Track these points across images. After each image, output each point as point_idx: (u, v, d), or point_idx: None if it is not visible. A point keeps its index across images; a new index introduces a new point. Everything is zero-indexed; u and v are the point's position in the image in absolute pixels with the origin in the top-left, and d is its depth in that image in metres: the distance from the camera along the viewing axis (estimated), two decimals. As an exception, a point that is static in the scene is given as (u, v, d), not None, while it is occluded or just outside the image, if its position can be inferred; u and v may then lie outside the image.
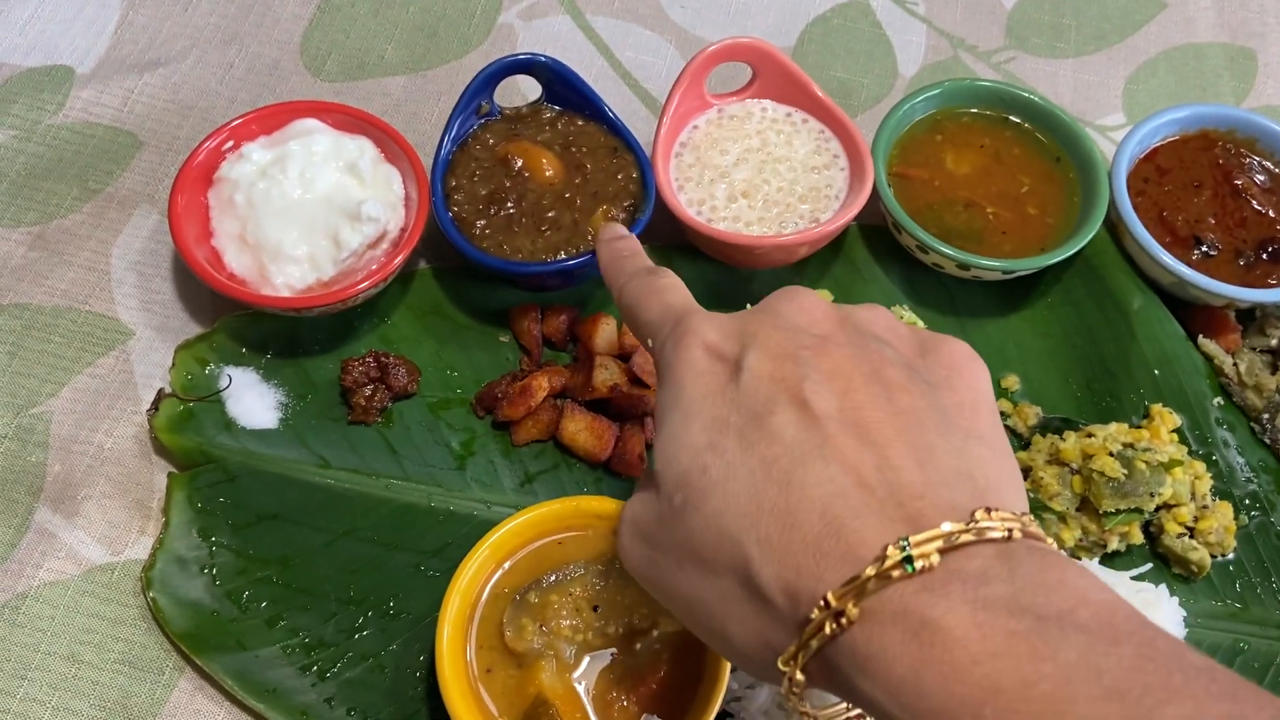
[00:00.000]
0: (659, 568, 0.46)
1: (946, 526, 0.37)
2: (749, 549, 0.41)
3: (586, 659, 0.60)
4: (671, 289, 0.53)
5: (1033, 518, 0.40)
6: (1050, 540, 0.39)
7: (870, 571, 0.37)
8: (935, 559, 0.37)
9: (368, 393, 0.72)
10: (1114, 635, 0.34)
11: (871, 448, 0.41)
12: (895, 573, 0.37)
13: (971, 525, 0.37)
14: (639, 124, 0.85)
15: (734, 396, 0.44)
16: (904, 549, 0.37)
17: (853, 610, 0.37)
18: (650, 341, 0.52)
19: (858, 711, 0.45)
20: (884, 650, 0.36)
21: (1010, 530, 0.38)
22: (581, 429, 0.72)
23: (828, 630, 0.38)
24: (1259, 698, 0.32)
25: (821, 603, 0.38)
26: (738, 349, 0.46)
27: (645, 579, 0.48)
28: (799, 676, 0.40)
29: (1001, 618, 0.35)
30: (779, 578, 0.40)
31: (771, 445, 0.42)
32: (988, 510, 0.38)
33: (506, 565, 0.63)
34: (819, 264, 0.81)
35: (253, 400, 0.73)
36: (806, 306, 0.48)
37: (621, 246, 0.60)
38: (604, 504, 0.64)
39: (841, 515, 0.39)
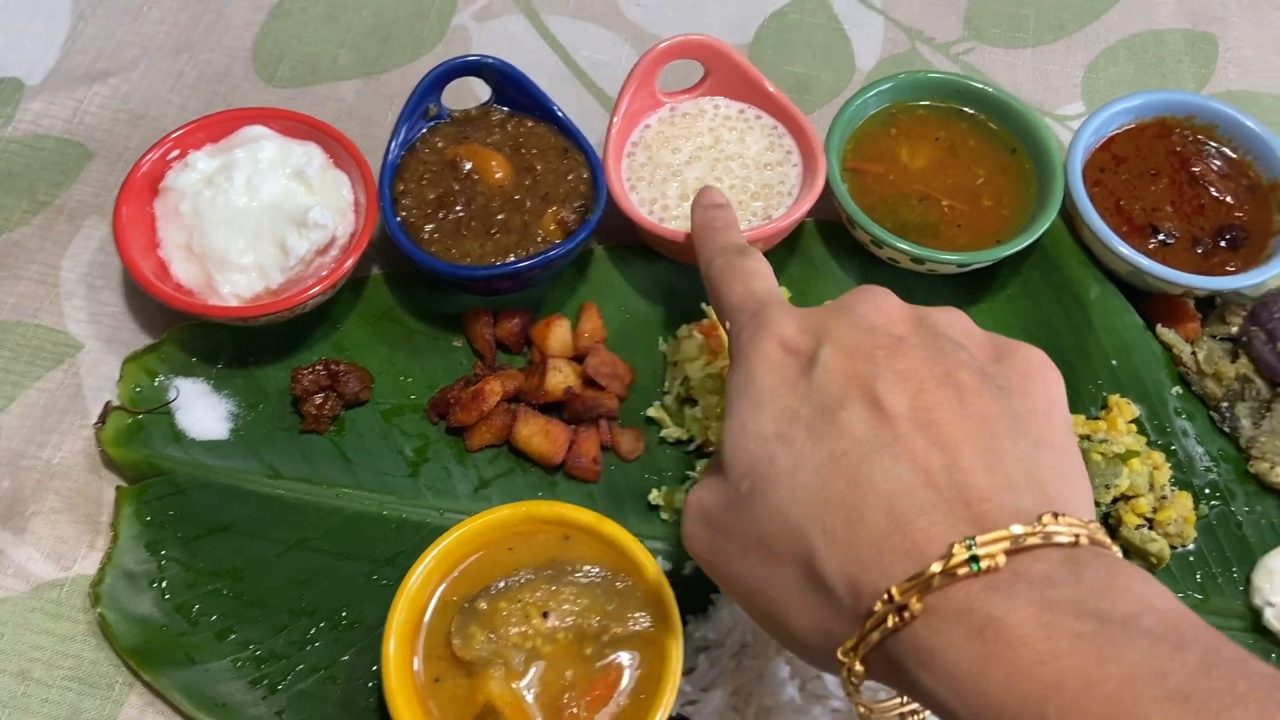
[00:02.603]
0: (723, 553, 0.47)
1: (1014, 529, 0.38)
2: (814, 540, 0.42)
3: (535, 666, 0.60)
4: (756, 274, 0.54)
5: (1100, 525, 0.40)
6: (1115, 549, 0.40)
7: (936, 568, 0.37)
8: (1001, 560, 0.37)
9: (318, 401, 0.71)
10: (1179, 641, 0.34)
11: (941, 448, 0.42)
12: (961, 570, 0.37)
13: (1039, 528, 0.38)
14: (595, 124, 0.84)
15: (805, 390, 0.45)
16: (970, 548, 0.37)
17: (916, 605, 0.38)
18: (728, 324, 0.53)
19: (912, 707, 0.45)
20: (947, 646, 0.37)
21: (1077, 536, 0.38)
22: (535, 433, 0.71)
23: (890, 623, 0.38)
24: None
25: (885, 596, 0.38)
26: (813, 344, 0.47)
27: (708, 564, 0.48)
28: (858, 667, 0.40)
29: (1067, 619, 0.35)
30: (843, 570, 0.40)
31: (841, 439, 0.43)
32: (1055, 515, 0.39)
33: (455, 573, 0.62)
34: (775, 261, 0.79)
35: (203, 411, 0.72)
36: (883, 307, 0.49)
37: (715, 216, 0.61)
38: (554, 508, 0.63)
39: (908, 512, 0.40)
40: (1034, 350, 0.48)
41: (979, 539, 0.38)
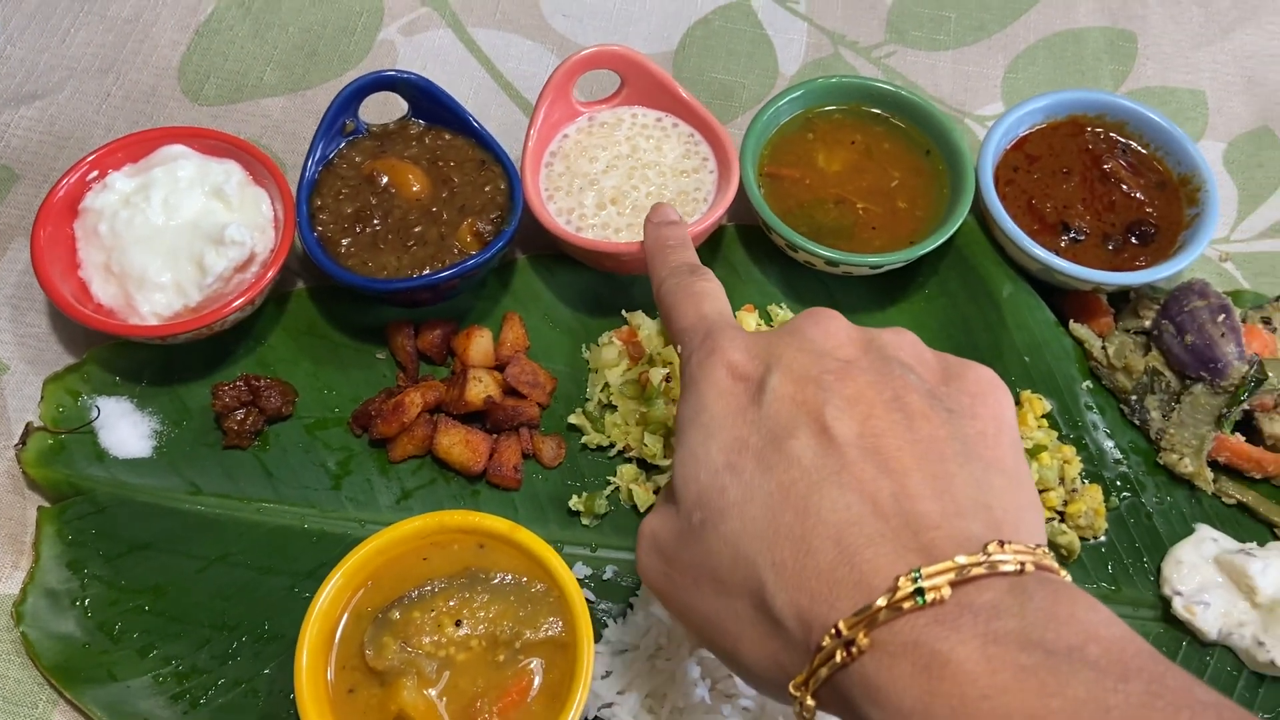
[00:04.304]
0: (675, 584, 0.47)
1: (959, 559, 0.38)
2: (764, 572, 0.42)
3: (448, 674, 0.60)
4: (707, 296, 0.54)
5: (1048, 550, 0.40)
6: (1064, 573, 0.40)
7: (882, 602, 0.37)
8: (946, 591, 0.37)
9: (240, 416, 0.72)
10: (1123, 671, 0.34)
11: (889, 475, 0.42)
12: (906, 604, 0.37)
13: (984, 558, 0.38)
14: (521, 135, 0.85)
15: (755, 418, 0.45)
16: (916, 580, 0.37)
17: (863, 640, 0.38)
18: (679, 348, 0.53)
19: None
20: (894, 681, 0.37)
21: (1023, 563, 0.38)
22: (456, 443, 0.72)
23: (838, 658, 0.38)
24: None
25: (833, 631, 0.38)
26: (761, 370, 0.47)
27: (661, 594, 0.48)
28: (810, 702, 0.40)
29: (1011, 652, 0.35)
30: (792, 603, 0.40)
31: (789, 469, 0.43)
32: (1001, 543, 0.39)
33: (369, 584, 0.63)
34: (697, 266, 0.81)
35: (126, 430, 0.72)
36: (832, 330, 0.49)
37: (668, 234, 0.60)
38: (468, 518, 0.64)
39: (856, 543, 0.40)
40: (984, 370, 0.48)
41: (925, 570, 0.38)
